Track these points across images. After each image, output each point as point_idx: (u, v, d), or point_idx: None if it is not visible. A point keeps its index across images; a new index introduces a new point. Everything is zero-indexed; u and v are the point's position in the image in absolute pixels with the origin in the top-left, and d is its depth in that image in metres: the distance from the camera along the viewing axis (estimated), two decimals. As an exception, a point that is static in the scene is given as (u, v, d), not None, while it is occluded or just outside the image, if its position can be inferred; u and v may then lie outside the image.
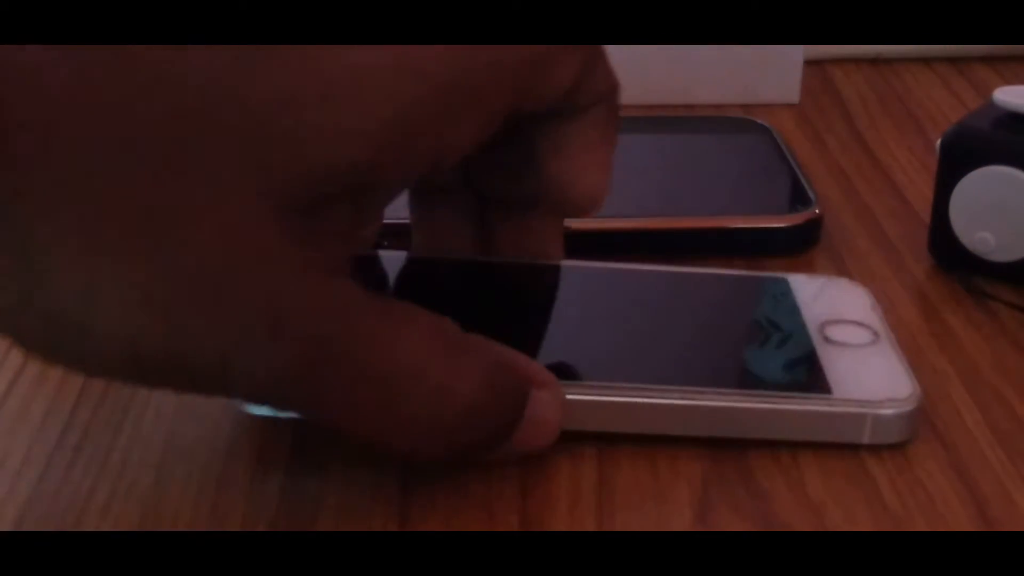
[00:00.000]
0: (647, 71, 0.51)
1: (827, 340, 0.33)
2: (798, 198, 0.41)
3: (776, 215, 0.40)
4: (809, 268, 0.40)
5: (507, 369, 0.28)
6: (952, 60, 0.57)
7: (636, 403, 0.30)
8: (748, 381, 0.31)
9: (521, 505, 0.29)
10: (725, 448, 0.31)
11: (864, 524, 0.29)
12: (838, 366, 0.32)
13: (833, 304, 0.35)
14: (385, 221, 0.33)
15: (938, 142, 0.38)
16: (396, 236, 0.36)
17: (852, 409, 0.31)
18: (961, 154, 0.37)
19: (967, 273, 0.38)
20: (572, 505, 0.29)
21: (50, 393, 0.34)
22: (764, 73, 0.51)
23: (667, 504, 0.29)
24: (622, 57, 0.48)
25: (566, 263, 0.35)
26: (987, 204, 0.37)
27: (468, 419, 0.27)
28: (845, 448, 0.31)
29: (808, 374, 0.32)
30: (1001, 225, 0.37)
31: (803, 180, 0.42)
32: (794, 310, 0.34)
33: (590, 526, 0.29)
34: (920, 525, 0.29)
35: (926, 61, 0.57)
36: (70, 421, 0.32)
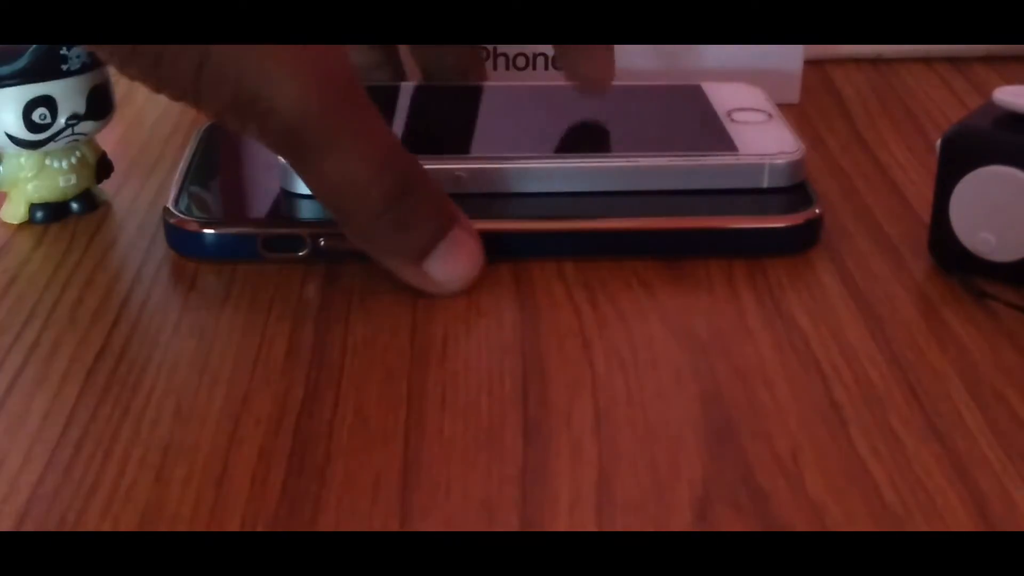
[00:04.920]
0: (647, 71, 0.51)
1: (733, 121, 0.44)
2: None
3: (776, 215, 0.40)
4: (809, 267, 0.40)
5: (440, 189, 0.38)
6: (952, 60, 0.57)
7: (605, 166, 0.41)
8: (678, 147, 0.42)
9: (521, 505, 0.29)
10: (725, 448, 0.31)
11: (864, 524, 0.29)
12: (742, 136, 0.43)
13: (734, 98, 0.46)
14: None
15: (938, 142, 0.38)
16: None
17: (754, 160, 0.41)
18: (961, 154, 0.37)
19: (967, 273, 0.38)
20: (572, 505, 0.29)
21: (50, 393, 0.34)
22: (764, 73, 0.51)
23: (667, 504, 0.29)
24: (623, 58, 0.48)
25: (526, 83, 0.49)
26: (987, 204, 0.37)
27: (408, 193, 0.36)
28: (845, 446, 0.31)
29: (721, 141, 0.42)
30: (1001, 225, 0.37)
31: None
32: (707, 104, 0.45)
33: (590, 526, 0.29)
34: (920, 525, 0.29)
35: (926, 61, 0.57)
36: (70, 421, 0.32)
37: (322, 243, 0.39)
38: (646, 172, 0.41)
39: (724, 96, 0.46)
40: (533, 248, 0.40)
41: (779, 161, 0.41)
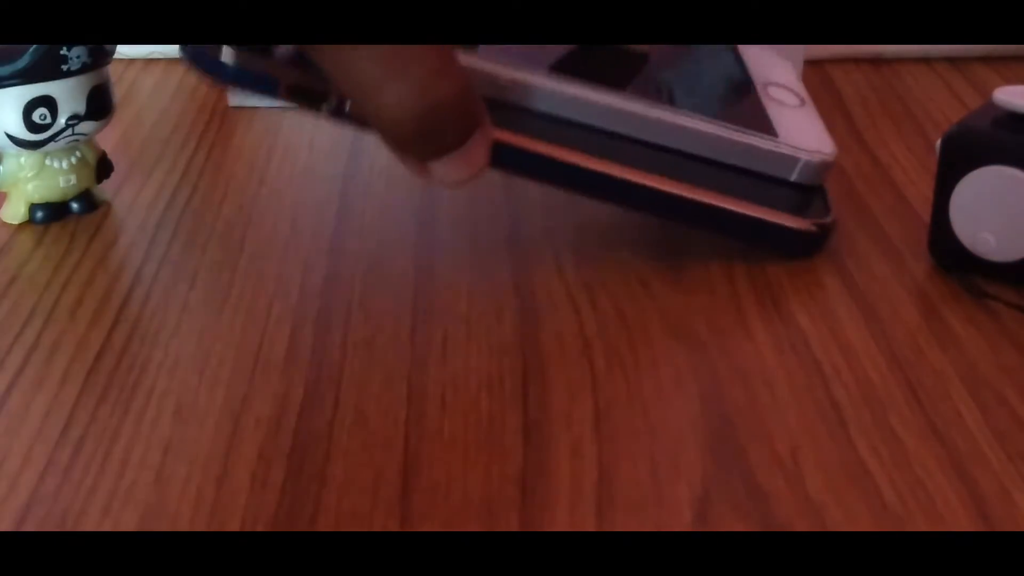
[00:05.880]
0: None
1: (770, 98, 0.42)
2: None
3: (798, 215, 0.39)
4: (809, 267, 0.40)
5: (475, 96, 0.35)
6: (952, 60, 0.57)
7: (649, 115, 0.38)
8: (721, 115, 0.39)
9: (521, 505, 0.29)
10: (725, 448, 0.31)
11: (864, 524, 0.29)
12: (779, 119, 0.40)
13: (770, 69, 0.44)
14: None
15: (938, 142, 0.38)
16: None
17: (791, 152, 0.39)
18: (961, 154, 0.37)
19: (967, 273, 0.38)
20: (572, 505, 0.29)
21: (50, 393, 0.34)
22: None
23: (667, 504, 0.29)
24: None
25: None
26: (987, 204, 0.37)
27: (441, 104, 0.34)
28: (845, 446, 0.31)
29: (760, 121, 0.40)
30: (1001, 225, 0.37)
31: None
32: (744, 70, 0.44)
33: (590, 526, 0.29)
34: (920, 525, 0.29)
35: (926, 61, 0.57)
36: (70, 421, 0.32)
37: (347, 109, 0.36)
38: (683, 132, 0.38)
39: (760, 64, 0.44)
40: (542, 172, 0.38)
41: (814, 159, 0.39)
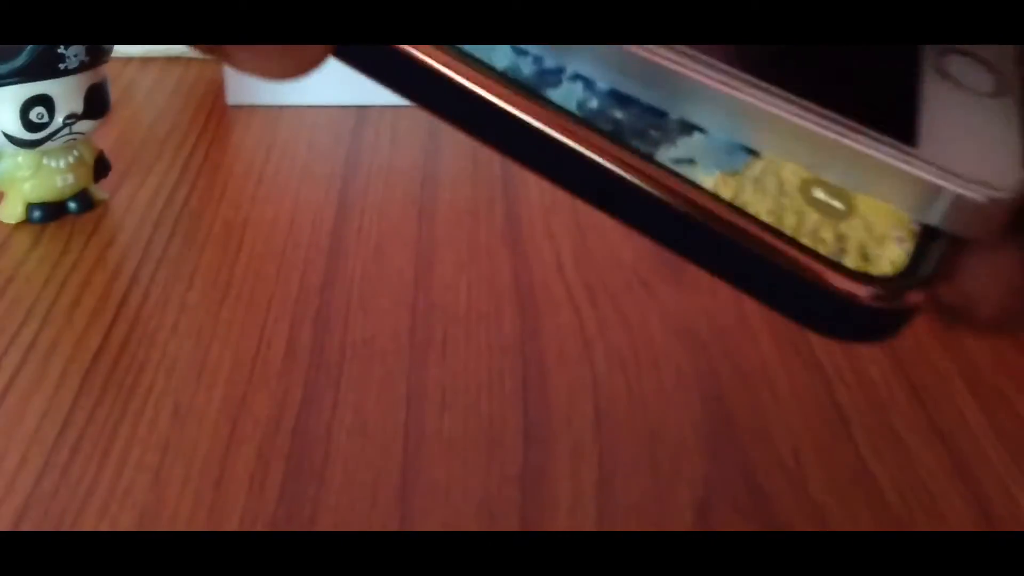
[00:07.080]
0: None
1: (939, 72, 0.23)
2: None
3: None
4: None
5: None
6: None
7: None
8: (838, 101, 0.20)
9: (521, 505, 0.29)
10: (726, 448, 0.31)
11: (866, 524, 0.29)
12: (938, 113, 0.22)
13: None
14: None
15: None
16: None
17: (931, 177, 0.20)
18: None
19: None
20: (572, 505, 0.29)
21: (47, 393, 0.33)
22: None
23: (667, 504, 0.29)
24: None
25: None
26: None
27: None
28: (847, 446, 0.31)
29: (896, 112, 0.22)
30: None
31: None
32: None
33: (590, 526, 0.29)
34: (922, 525, 0.29)
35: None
36: (68, 422, 0.32)
37: None
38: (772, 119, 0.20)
39: None
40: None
41: (972, 195, 0.20)
